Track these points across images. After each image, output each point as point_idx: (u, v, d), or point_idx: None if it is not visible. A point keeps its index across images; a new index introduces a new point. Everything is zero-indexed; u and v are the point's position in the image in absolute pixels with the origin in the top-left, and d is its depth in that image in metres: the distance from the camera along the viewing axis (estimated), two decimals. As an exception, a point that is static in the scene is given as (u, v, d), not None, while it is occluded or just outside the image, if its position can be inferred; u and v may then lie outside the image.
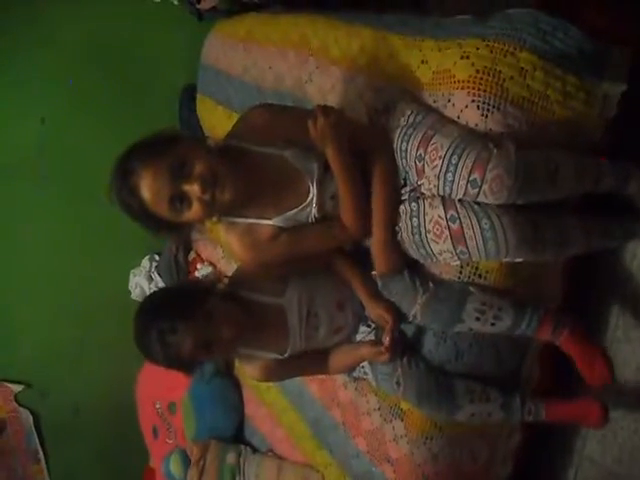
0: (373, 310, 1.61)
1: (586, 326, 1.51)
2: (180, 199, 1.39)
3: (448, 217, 1.37)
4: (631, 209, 1.55)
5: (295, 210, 1.55)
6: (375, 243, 1.56)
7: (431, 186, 1.40)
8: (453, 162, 1.33)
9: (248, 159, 1.53)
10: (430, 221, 1.41)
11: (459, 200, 1.37)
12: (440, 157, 1.35)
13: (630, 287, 1.68)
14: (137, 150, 1.42)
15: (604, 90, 1.45)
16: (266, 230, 1.55)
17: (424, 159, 1.40)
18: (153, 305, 1.55)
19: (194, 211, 1.40)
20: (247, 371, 1.77)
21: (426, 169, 1.40)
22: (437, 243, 1.41)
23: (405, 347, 1.63)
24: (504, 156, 1.30)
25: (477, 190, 1.31)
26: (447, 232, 1.38)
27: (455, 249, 1.39)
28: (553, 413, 1.59)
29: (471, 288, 1.49)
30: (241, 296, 1.60)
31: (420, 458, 1.65)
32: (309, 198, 1.55)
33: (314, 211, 1.56)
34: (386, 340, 1.56)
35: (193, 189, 1.38)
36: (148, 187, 1.37)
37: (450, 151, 1.34)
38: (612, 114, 1.47)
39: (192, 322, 1.45)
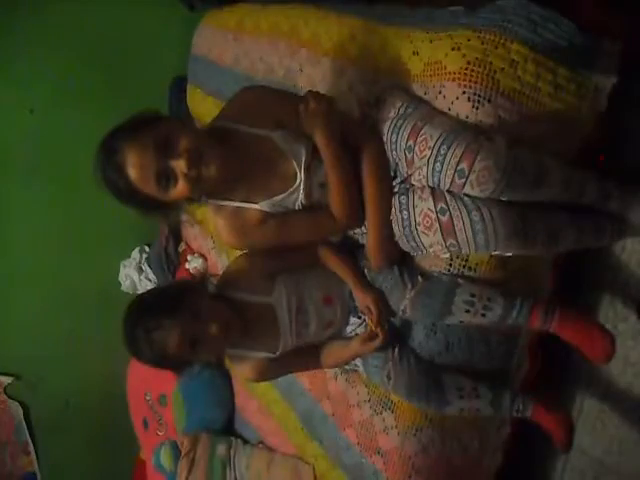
0: (361, 300, 1.60)
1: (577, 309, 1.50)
2: (166, 176, 1.37)
3: (438, 209, 1.36)
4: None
5: (282, 195, 1.54)
6: (371, 240, 1.55)
7: (420, 177, 1.39)
8: (442, 152, 1.31)
9: (235, 139, 1.51)
10: (420, 214, 1.40)
11: (449, 192, 1.36)
12: (429, 147, 1.34)
13: (619, 279, 1.68)
14: (121, 129, 1.40)
15: (595, 82, 1.45)
16: (253, 214, 1.54)
17: (413, 150, 1.39)
18: (140, 305, 1.53)
19: (180, 188, 1.39)
20: (239, 372, 1.74)
21: (415, 160, 1.39)
22: (427, 235, 1.40)
23: (396, 340, 1.63)
24: (494, 149, 1.29)
25: (464, 180, 1.29)
26: (437, 224, 1.37)
27: (445, 241, 1.38)
28: (537, 416, 1.61)
29: (459, 280, 1.49)
30: (229, 297, 1.58)
31: (410, 449, 1.66)
32: (296, 183, 1.54)
33: (301, 197, 1.55)
34: (378, 331, 1.55)
35: (179, 165, 1.36)
36: (134, 164, 1.35)
37: (439, 141, 1.32)
38: (603, 107, 1.47)
39: (177, 318, 1.44)
